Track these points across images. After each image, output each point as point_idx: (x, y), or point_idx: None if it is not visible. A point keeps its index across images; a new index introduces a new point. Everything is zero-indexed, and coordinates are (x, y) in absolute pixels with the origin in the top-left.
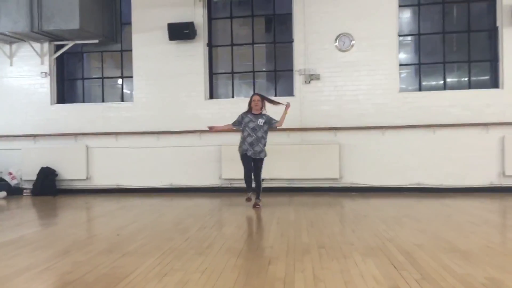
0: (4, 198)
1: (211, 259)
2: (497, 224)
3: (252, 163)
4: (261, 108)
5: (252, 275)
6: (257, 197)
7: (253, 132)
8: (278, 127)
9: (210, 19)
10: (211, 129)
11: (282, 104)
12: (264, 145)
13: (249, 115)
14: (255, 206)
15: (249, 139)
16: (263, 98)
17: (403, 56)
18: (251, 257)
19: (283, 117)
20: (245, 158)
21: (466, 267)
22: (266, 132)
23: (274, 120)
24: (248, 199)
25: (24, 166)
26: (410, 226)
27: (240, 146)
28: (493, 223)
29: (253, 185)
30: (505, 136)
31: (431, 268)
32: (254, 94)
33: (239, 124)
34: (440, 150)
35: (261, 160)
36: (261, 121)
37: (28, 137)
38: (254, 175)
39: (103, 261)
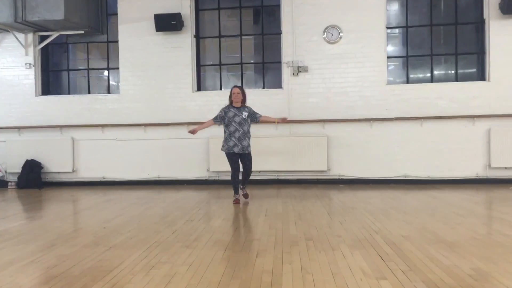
0: None
1: (199, 251)
2: (483, 216)
3: (239, 160)
4: (242, 101)
5: (240, 267)
6: (244, 186)
7: (240, 126)
8: (260, 121)
9: (198, 10)
10: (193, 132)
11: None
12: (250, 139)
13: (231, 109)
14: (246, 196)
15: (237, 134)
16: (243, 92)
17: (391, 49)
18: (238, 249)
19: (271, 120)
20: (232, 157)
21: (452, 258)
22: (250, 126)
23: (258, 114)
24: (237, 201)
25: (8, 159)
26: (397, 218)
27: (224, 144)
28: (479, 215)
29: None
30: (491, 129)
31: (418, 260)
32: (234, 86)
33: (221, 120)
34: (427, 142)
35: (249, 154)
36: (245, 114)
37: (13, 129)
38: (245, 170)
39: (89, 254)
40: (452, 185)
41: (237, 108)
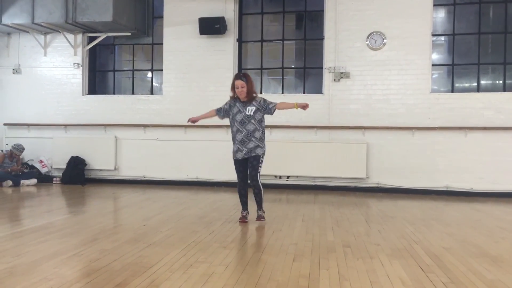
0: (34, 185)
1: (236, 253)
2: None
3: (247, 165)
4: (248, 94)
5: (277, 271)
6: (259, 208)
7: (242, 126)
8: (277, 109)
9: (241, 14)
10: (193, 121)
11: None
12: (260, 139)
13: (237, 104)
14: (259, 219)
15: (239, 136)
16: (249, 81)
17: (436, 57)
18: (275, 253)
19: (290, 106)
20: (235, 164)
21: (496, 273)
22: (260, 122)
23: (273, 103)
24: (243, 220)
25: (54, 155)
26: (438, 229)
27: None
28: None
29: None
30: None
31: (459, 272)
32: (236, 77)
33: (224, 113)
34: (471, 153)
35: (257, 157)
36: (250, 110)
37: (59, 126)
38: (249, 178)
39: (129, 250)
40: (496, 198)
41: (242, 102)
